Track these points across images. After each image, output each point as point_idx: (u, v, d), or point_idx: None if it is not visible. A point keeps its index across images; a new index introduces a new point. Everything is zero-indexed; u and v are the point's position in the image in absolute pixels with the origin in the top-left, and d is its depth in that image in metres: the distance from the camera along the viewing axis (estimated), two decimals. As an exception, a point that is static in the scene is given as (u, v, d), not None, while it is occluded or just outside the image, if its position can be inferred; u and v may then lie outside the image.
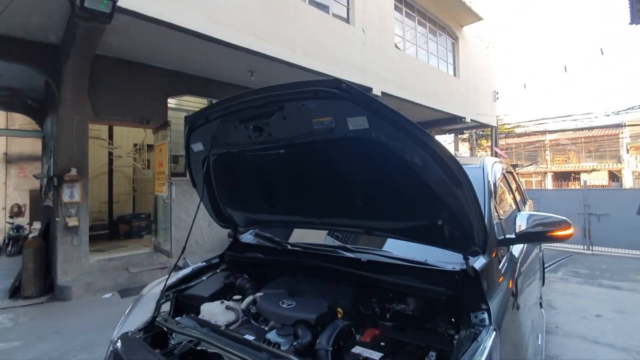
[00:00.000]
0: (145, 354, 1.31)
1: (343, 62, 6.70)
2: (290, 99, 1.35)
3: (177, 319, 1.63)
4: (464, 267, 1.48)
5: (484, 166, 2.18)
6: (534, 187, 23.78)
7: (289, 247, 2.16)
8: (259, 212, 2.18)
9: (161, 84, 6.09)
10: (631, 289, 5.15)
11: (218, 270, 2.24)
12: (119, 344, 1.40)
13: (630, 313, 4.12)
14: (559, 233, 1.77)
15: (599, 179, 23.35)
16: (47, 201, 5.64)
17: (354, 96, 1.19)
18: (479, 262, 1.49)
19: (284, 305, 1.55)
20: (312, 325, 1.41)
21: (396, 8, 8.69)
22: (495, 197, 1.99)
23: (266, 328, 1.56)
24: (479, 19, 10.77)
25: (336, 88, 1.20)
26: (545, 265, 5.01)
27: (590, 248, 8.36)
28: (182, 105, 6.63)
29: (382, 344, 1.34)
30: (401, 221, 1.58)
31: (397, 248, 1.80)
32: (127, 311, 1.78)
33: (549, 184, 25.57)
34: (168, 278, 1.86)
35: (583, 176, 23.11)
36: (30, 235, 5.73)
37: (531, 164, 24.61)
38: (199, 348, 1.35)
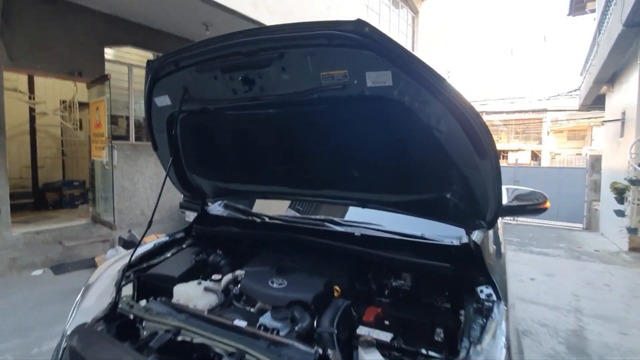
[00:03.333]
0: (112, 350, 1.07)
1: (307, 25, 6.29)
2: (294, 44, 1.12)
3: (144, 304, 1.38)
4: (464, 241, 1.44)
5: None
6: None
7: (268, 220, 1.98)
8: (234, 181, 1.94)
9: (97, 31, 5.17)
10: (556, 255, 5.87)
11: (184, 246, 1.98)
12: (75, 339, 1.14)
13: (557, 276, 4.69)
14: (539, 206, 1.84)
15: (523, 158, 26.02)
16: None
17: (379, 44, 0.98)
18: (477, 236, 1.46)
19: (274, 285, 1.39)
20: (308, 306, 1.28)
21: (361, -28, 8.33)
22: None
23: (253, 310, 1.40)
24: (439, -6, 10.84)
25: (358, 33, 0.98)
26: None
27: (515, 219, 9.43)
28: (122, 58, 5.75)
29: (387, 322, 1.26)
30: (403, 194, 1.48)
31: (379, 219, 1.72)
32: (78, 297, 1.48)
33: (482, 161, 27.94)
34: (131, 255, 1.58)
35: (511, 155, 25.57)
36: None
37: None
38: (180, 339, 1.15)
